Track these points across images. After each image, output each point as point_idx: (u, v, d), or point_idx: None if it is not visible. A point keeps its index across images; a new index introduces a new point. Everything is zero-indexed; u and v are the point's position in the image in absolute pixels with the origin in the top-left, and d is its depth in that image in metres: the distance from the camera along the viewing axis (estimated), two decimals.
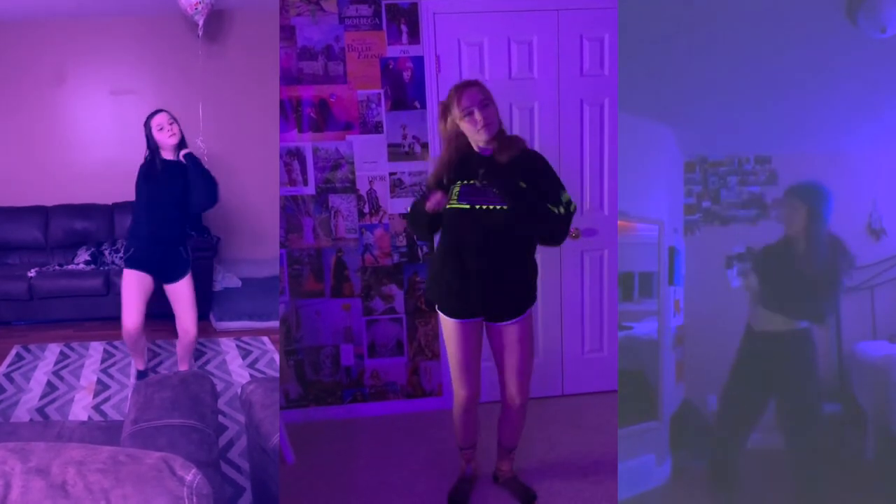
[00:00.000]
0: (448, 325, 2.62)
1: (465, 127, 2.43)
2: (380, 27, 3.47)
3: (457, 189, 2.46)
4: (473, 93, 2.41)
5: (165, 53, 5.63)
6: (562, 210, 2.46)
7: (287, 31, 3.44)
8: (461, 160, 2.49)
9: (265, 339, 4.78)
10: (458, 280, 2.52)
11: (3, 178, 5.59)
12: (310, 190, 3.56)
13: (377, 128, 3.54)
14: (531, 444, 3.28)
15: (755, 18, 2.49)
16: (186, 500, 1.14)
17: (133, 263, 3.60)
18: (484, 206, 2.43)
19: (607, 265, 3.79)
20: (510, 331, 2.60)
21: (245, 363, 4.37)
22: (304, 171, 3.56)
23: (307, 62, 3.47)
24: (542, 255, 3.70)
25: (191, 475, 1.18)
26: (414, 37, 3.49)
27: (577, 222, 3.69)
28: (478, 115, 2.39)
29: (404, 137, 3.55)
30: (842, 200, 3.94)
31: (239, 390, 3.35)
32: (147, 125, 3.48)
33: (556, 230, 2.48)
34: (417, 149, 3.57)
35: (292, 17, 3.43)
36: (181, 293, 3.65)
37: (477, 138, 2.45)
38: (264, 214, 5.30)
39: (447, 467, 3.07)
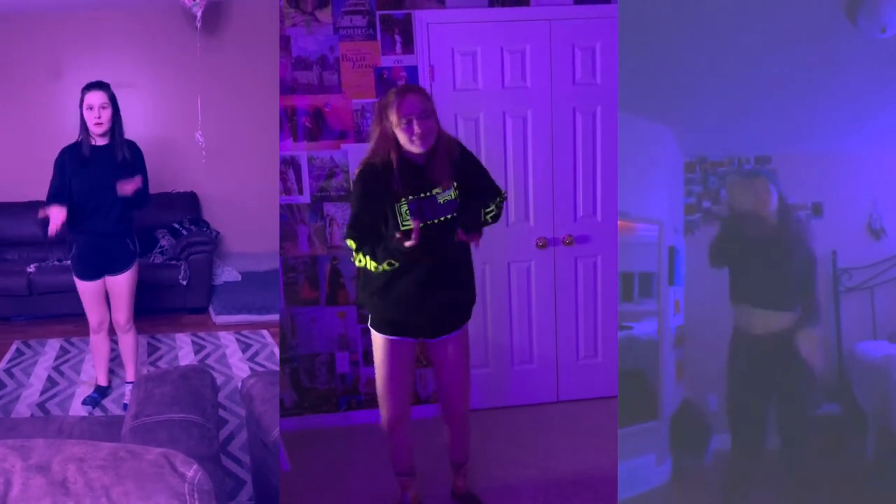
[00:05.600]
0: (383, 343, 2.53)
1: (401, 135, 2.30)
2: (374, 37, 3.46)
3: (404, 208, 2.34)
4: (414, 101, 2.28)
5: (163, 46, 5.62)
6: (493, 207, 2.46)
7: (282, 42, 3.42)
8: (396, 174, 2.35)
9: (265, 332, 4.79)
10: (411, 298, 2.42)
11: (2, 174, 5.59)
12: (305, 198, 3.54)
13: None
14: (526, 450, 3.29)
15: (755, 18, 2.49)
16: (188, 497, 1.14)
17: (79, 272, 3.50)
18: (438, 220, 2.36)
19: (601, 271, 3.78)
20: (453, 345, 2.55)
21: (245, 357, 4.38)
22: (299, 180, 3.54)
23: (302, 72, 3.45)
24: (535, 260, 3.72)
25: (192, 471, 1.18)
26: (408, 46, 3.47)
27: (570, 229, 3.70)
28: (416, 126, 2.26)
29: None
30: (842, 200, 3.98)
31: (239, 384, 3.35)
32: (81, 99, 3.24)
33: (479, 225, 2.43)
34: None
35: (287, 27, 3.41)
36: (120, 286, 3.54)
37: (412, 148, 2.31)
38: (264, 208, 5.29)
39: (442, 475, 3.03)
